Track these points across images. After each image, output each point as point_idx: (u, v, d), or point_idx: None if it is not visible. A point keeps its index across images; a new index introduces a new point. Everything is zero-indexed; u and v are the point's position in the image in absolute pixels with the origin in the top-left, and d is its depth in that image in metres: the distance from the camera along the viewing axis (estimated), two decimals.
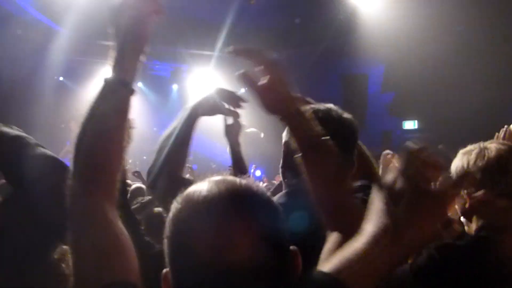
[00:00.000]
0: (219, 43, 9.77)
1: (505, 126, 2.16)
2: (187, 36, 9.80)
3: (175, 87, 13.20)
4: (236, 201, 0.78)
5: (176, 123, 1.70)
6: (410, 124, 11.85)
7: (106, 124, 1.02)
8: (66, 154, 10.06)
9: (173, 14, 8.89)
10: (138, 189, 4.12)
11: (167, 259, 0.81)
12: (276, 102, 1.16)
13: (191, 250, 0.75)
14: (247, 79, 1.17)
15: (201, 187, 0.80)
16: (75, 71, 11.70)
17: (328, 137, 1.16)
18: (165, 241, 0.81)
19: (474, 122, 9.12)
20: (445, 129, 10.76)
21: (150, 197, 3.50)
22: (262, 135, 10.54)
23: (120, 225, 0.98)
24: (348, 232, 0.97)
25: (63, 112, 10.67)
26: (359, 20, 8.37)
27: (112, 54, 1.07)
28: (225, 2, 8.00)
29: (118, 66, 1.06)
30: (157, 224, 2.85)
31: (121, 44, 1.06)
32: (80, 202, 0.97)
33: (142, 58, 1.10)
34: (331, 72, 11.71)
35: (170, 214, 0.81)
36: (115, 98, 1.04)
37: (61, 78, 11.90)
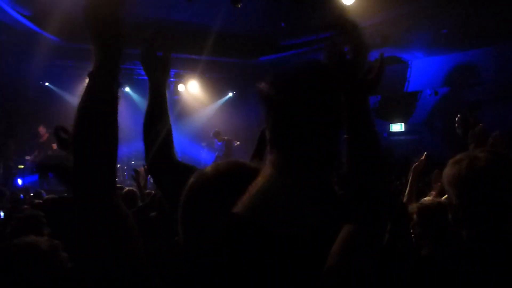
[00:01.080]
0: (206, 47, 9.77)
1: (497, 131, 2.18)
2: (174, 40, 9.78)
3: None
4: (242, 172, 0.94)
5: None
6: (397, 127, 11.96)
7: (102, 115, 1.03)
8: (35, 159, 9.96)
9: (158, 18, 8.88)
10: (131, 192, 4.08)
11: (179, 225, 0.95)
12: None
13: (202, 210, 0.89)
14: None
15: (213, 165, 0.98)
16: (60, 75, 11.60)
17: None
18: (180, 209, 0.95)
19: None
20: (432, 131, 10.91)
21: (147, 202, 3.53)
22: (237, 143, 10.93)
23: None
24: None
25: (48, 116, 10.57)
26: (346, 22, 8.43)
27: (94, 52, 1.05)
28: (211, 5, 8.02)
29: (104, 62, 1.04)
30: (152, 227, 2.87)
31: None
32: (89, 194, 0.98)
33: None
34: None
35: (186, 187, 0.96)
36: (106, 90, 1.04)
37: (47, 83, 11.80)
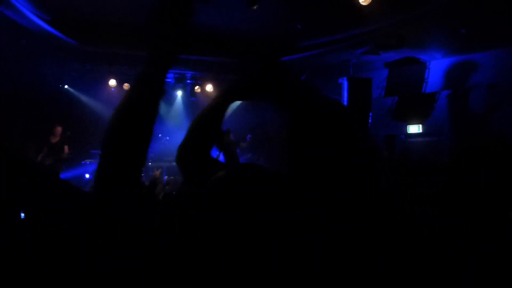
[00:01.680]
0: (222, 49, 9.79)
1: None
2: (190, 42, 9.82)
3: (179, 93, 13.26)
4: (249, 175, 1.00)
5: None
6: (414, 128, 11.82)
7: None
8: (44, 158, 10.04)
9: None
10: None
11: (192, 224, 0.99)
12: None
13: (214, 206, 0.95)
14: None
15: (227, 169, 1.04)
16: (80, 79, 11.77)
17: None
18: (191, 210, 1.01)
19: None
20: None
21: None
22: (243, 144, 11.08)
23: None
24: None
25: (67, 119, 10.72)
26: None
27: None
28: (228, 8, 8.03)
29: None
30: None
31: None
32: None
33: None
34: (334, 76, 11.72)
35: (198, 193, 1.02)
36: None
37: (66, 86, 11.98)
